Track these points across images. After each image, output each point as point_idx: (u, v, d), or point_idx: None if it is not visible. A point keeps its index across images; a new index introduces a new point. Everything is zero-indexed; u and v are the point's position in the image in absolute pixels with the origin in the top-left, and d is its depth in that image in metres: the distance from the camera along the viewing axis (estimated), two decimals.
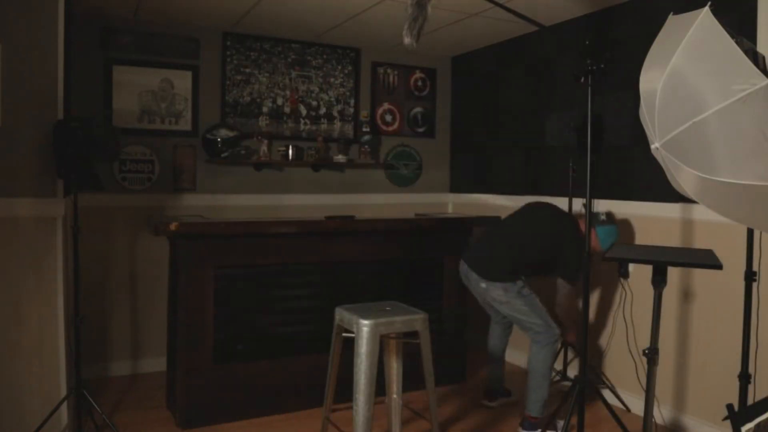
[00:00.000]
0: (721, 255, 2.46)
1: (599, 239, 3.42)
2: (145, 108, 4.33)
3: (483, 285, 3.34)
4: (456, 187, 5.47)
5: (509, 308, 3.34)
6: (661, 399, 3.49)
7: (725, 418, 1.54)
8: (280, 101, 4.77)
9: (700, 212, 3.28)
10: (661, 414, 3.49)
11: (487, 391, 3.81)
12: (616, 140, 3.80)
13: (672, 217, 3.47)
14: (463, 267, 3.49)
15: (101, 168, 3.75)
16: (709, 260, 2.33)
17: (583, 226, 3.31)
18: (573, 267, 3.33)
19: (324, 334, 3.69)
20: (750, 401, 2.67)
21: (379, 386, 2.96)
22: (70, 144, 2.81)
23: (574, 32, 4.16)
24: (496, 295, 3.32)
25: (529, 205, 3.67)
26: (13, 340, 2.87)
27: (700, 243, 3.32)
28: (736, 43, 1.72)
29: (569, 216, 3.64)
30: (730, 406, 1.56)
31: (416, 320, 2.89)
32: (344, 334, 2.96)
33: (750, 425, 1.48)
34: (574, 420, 2.93)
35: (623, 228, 3.76)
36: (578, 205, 3.86)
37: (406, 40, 2.61)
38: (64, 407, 2.98)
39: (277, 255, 3.60)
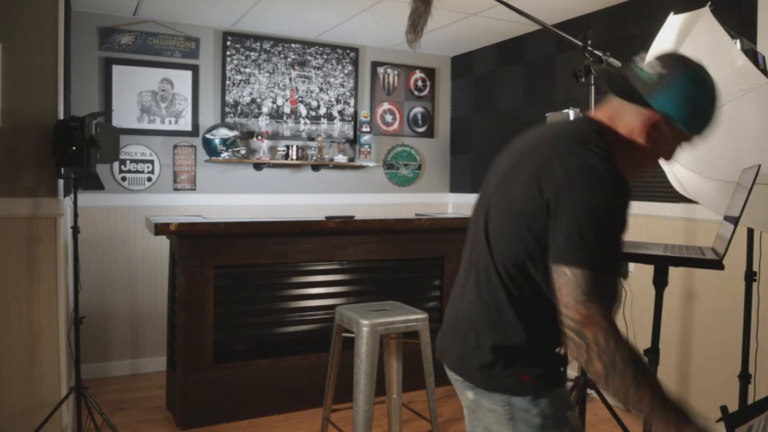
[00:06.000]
0: None
1: (674, 106, 1.31)
2: (145, 108, 4.33)
3: (470, 396, 1.49)
4: (456, 187, 5.46)
5: None
6: None
7: (719, 420, 1.54)
8: (280, 101, 4.77)
9: (702, 212, 3.28)
10: None
11: None
12: None
13: (673, 217, 3.47)
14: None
15: (101, 168, 3.75)
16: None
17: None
18: (576, 229, 1.23)
19: (324, 334, 3.69)
20: (750, 401, 2.67)
21: (379, 386, 2.96)
22: (70, 144, 2.81)
23: (574, 32, 4.15)
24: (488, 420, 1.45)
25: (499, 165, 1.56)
26: (12, 339, 2.87)
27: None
28: (736, 43, 1.72)
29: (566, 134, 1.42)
30: (723, 408, 1.56)
31: (416, 320, 2.89)
32: (344, 334, 2.96)
33: (743, 428, 1.47)
34: None
35: None
36: None
37: (409, 36, 2.61)
38: (64, 407, 2.97)
39: (277, 255, 3.60)
